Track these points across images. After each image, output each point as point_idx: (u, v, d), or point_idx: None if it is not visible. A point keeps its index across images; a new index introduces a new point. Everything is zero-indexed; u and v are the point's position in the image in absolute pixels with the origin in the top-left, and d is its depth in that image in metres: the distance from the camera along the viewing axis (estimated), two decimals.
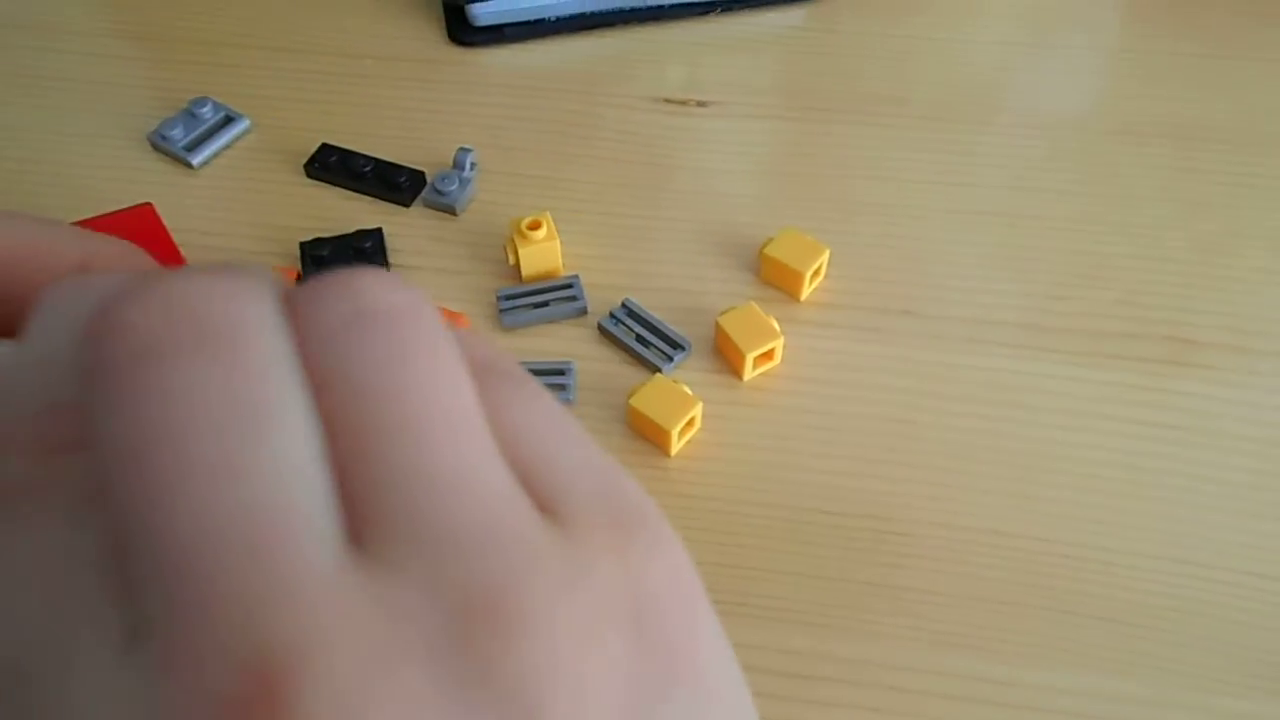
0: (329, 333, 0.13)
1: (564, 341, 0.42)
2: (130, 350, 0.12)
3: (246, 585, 0.11)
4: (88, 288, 0.14)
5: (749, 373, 0.40)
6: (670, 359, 0.40)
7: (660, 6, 0.54)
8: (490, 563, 0.12)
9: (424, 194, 0.47)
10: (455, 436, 0.13)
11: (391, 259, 0.44)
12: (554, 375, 0.40)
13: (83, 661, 0.12)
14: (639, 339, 0.41)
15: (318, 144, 0.48)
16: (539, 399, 0.15)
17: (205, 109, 0.49)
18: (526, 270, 0.43)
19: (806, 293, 0.43)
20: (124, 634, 0.12)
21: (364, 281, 0.14)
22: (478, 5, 0.52)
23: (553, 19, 0.53)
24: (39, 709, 0.12)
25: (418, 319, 0.14)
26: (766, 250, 0.42)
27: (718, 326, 0.40)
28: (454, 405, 0.13)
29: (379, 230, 0.44)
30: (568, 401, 0.39)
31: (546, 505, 0.14)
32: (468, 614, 0.12)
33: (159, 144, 0.48)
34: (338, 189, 0.47)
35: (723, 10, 0.55)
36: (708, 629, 0.15)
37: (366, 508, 0.12)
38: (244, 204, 0.47)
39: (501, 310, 0.42)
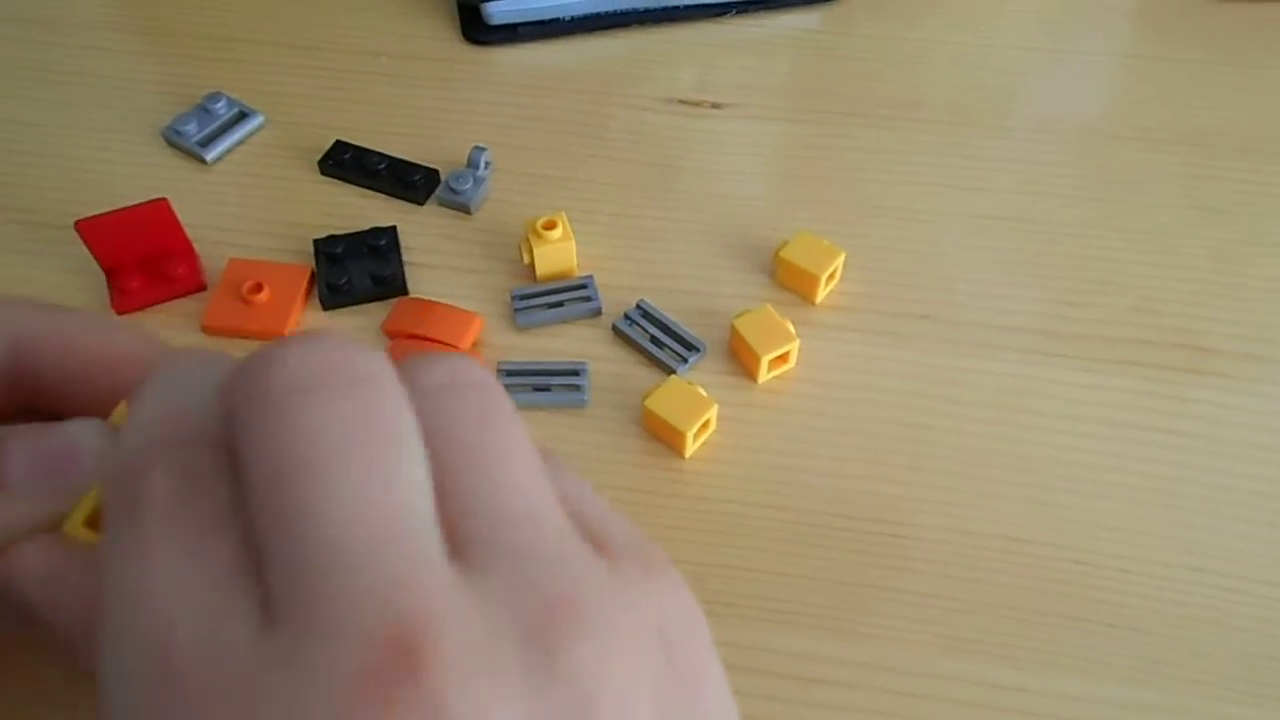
0: (430, 392, 0.17)
1: (578, 342, 0.42)
2: (286, 384, 0.15)
3: (385, 575, 0.14)
4: (203, 359, 0.18)
5: (764, 375, 0.40)
6: (685, 360, 0.40)
7: (675, 7, 0.54)
8: (557, 575, 0.15)
9: (438, 192, 0.47)
10: (526, 482, 0.17)
11: (405, 257, 0.44)
12: (568, 376, 0.40)
13: (224, 637, 0.14)
14: (653, 340, 0.41)
15: (332, 141, 0.48)
16: (576, 475, 0.19)
17: (219, 104, 0.49)
18: (541, 270, 0.43)
19: (822, 296, 0.43)
20: (261, 616, 0.14)
21: (456, 359, 0.18)
22: (492, 4, 0.52)
23: (567, 19, 0.53)
24: (187, 679, 0.14)
25: (497, 393, 0.18)
26: (782, 253, 0.42)
27: (733, 329, 0.40)
28: (525, 459, 0.17)
29: (393, 228, 0.44)
30: (582, 402, 0.39)
31: (593, 544, 0.17)
32: (541, 612, 0.15)
33: (172, 139, 0.48)
34: (352, 186, 0.47)
35: (738, 12, 0.55)
36: (713, 659, 0.18)
37: (460, 530, 0.15)
38: (258, 200, 0.47)
39: (516, 310, 0.42)
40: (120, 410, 0.21)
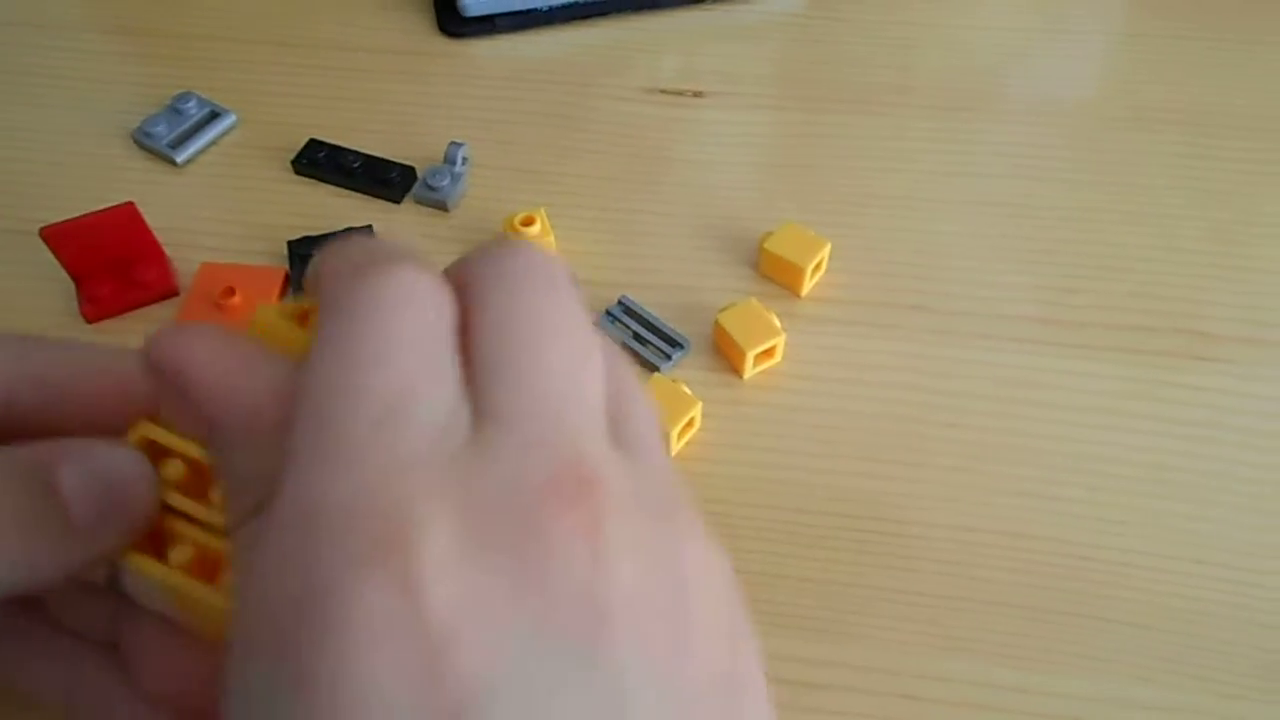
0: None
1: None
2: (523, 268, 0.19)
3: (578, 421, 0.18)
4: (385, 244, 0.20)
5: (749, 371, 0.39)
6: (668, 358, 0.39)
7: None
8: (676, 486, 0.19)
9: (415, 190, 0.45)
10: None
11: None
12: None
13: (451, 417, 0.17)
14: (636, 337, 0.40)
15: (305, 139, 0.47)
16: None
17: (190, 104, 0.48)
18: None
19: (808, 288, 0.41)
20: (473, 417, 0.17)
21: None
22: None
23: (545, 9, 0.52)
24: (412, 441, 0.17)
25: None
26: (766, 245, 0.41)
27: (717, 324, 0.39)
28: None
29: (369, 228, 0.43)
30: None
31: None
32: (664, 503, 0.18)
33: (142, 141, 0.47)
34: (326, 186, 0.46)
35: None
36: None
37: (620, 421, 0.19)
38: (230, 202, 0.45)
39: None
40: (140, 429, 0.21)
